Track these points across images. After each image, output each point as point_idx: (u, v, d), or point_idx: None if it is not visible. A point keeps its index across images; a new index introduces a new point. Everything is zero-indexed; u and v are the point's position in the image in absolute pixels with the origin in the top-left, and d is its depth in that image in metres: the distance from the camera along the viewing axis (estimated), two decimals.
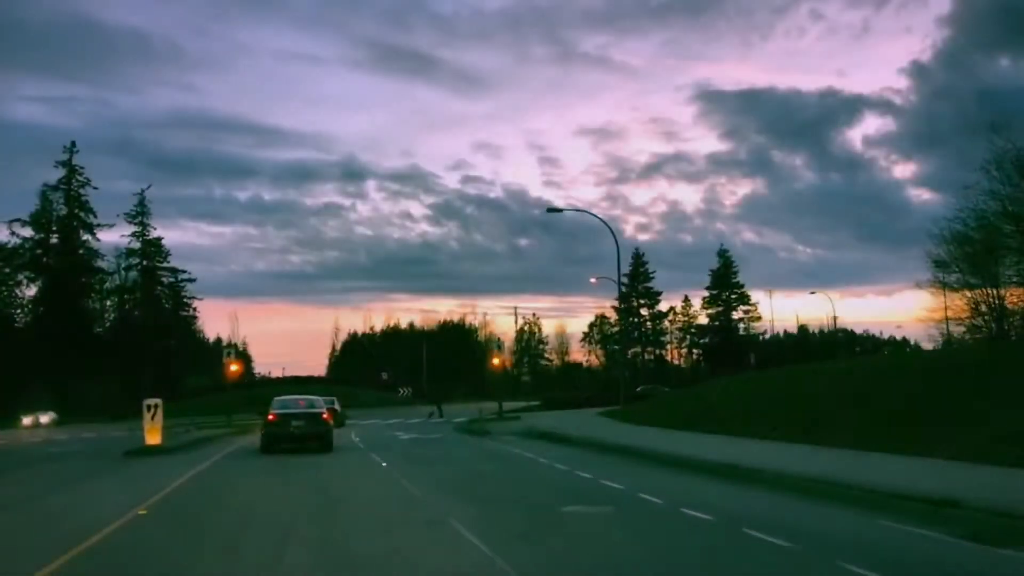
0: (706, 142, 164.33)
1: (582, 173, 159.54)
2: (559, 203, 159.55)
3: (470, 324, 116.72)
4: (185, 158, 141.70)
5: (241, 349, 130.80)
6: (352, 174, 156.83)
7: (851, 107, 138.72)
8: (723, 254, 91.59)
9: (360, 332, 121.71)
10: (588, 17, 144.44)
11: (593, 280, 77.31)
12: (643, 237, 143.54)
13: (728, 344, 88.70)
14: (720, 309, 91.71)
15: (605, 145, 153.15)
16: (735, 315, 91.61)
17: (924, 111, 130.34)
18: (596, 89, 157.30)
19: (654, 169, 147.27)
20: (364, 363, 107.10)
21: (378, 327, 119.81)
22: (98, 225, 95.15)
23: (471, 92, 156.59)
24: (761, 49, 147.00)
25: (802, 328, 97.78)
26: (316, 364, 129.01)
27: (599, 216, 38.70)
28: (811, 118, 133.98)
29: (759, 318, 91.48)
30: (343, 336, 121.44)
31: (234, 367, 40.94)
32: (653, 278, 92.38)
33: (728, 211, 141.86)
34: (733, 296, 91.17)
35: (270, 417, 23.36)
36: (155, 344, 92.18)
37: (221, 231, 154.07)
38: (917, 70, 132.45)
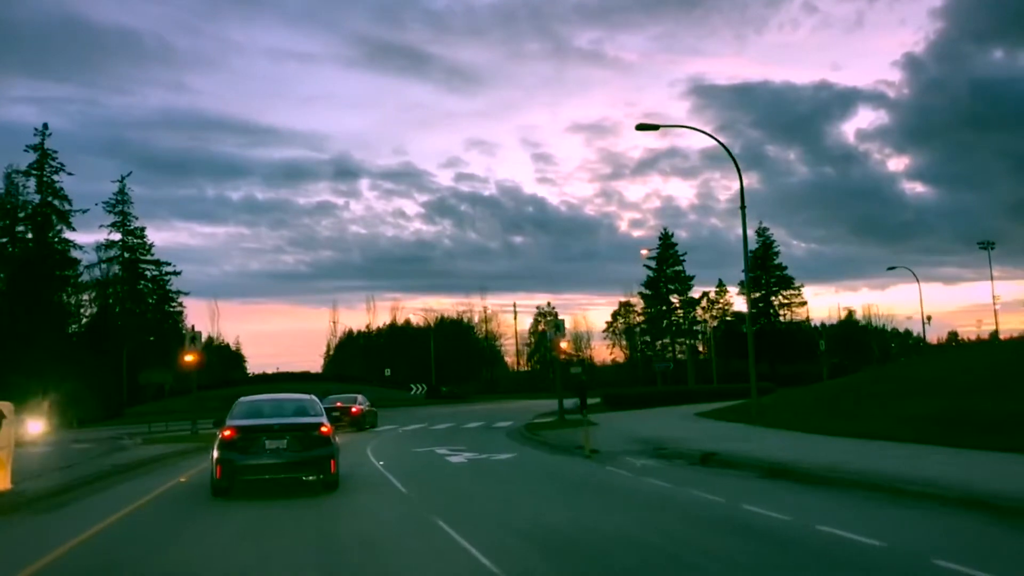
0: (700, 137, 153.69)
1: (576, 169, 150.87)
2: (553, 200, 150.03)
3: (469, 320, 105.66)
4: (177, 158, 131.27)
5: (234, 348, 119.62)
6: (345, 172, 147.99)
7: (845, 100, 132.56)
8: (762, 232, 79.15)
9: (358, 330, 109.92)
10: (581, 12, 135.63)
11: (644, 252, 65.83)
12: (637, 233, 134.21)
13: (770, 333, 76.57)
14: (760, 294, 79.49)
15: (599, 141, 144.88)
16: (775, 301, 79.37)
17: (917, 104, 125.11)
18: (589, 85, 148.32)
19: (648, 165, 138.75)
20: (365, 360, 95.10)
21: (375, 325, 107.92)
22: (72, 211, 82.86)
23: (464, 89, 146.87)
24: (755, 43, 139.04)
25: (850, 315, 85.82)
26: (313, 364, 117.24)
27: (711, 134, 26.03)
28: (805, 112, 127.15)
29: (804, 303, 79.38)
30: (340, 334, 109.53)
31: (189, 358, 29.00)
32: (684, 261, 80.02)
33: (722, 206, 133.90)
34: (773, 280, 79.00)
35: (226, 433, 12.46)
36: (133, 341, 79.86)
37: (214, 231, 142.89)
38: (910, 62, 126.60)
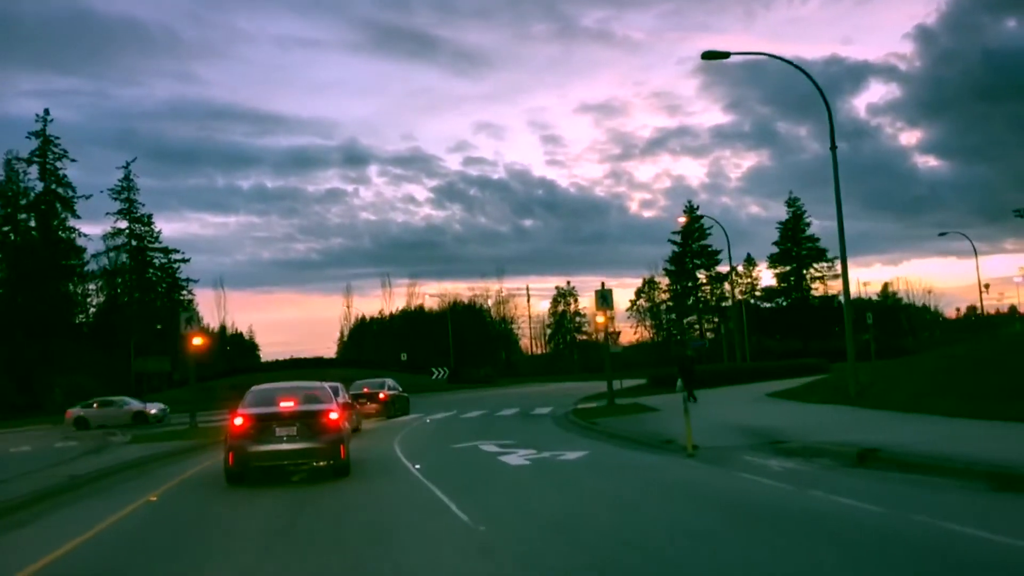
0: (710, 115, 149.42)
1: (585, 150, 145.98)
2: (563, 182, 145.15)
3: (482, 304, 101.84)
4: (186, 148, 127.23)
5: (248, 337, 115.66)
6: (354, 159, 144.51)
7: (856, 74, 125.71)
8: (793, 203, 74.08)
9: (371, 316, 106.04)
10: None
11: (681, 220, 60.94)
12: (648, 213, 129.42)
13: (802, 308, 71.85)
14: (790, 268, 74.62)
15: (608, 121, 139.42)
16: (807, 274, 74.50)
17: (930, 76, 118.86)
18: (597, 64, 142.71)
19: (658, 144, 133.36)
20: (380, 345, 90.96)
21: (388, 310, 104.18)
22: (76, 198, 78.76)
23: (471, 72, 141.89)
24: (764, 18, 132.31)
25: (885, 288, 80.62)
26: (327, 351, 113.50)
27: (788, 60, 21.51)
28: (815, 87, 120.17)
29: (837, 276, 74.21)
30: (354, 319, 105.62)
31: (197, 340, 24.86)
32: (710, 234, 74.99)
33: (733, 184, 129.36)
34: (804, 252, 74.07)
35: (237, 423, 12.14)
36: (141, 331, 75.83)
37: (225, 221, 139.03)
38: (922, 34, 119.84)
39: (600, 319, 27.94)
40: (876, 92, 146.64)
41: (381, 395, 28.93)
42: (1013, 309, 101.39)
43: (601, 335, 31.41)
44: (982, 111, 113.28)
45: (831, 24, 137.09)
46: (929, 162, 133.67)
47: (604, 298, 27.06)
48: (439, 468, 13.24)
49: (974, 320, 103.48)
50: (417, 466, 13.57)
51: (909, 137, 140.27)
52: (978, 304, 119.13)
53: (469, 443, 17.47)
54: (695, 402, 20.27)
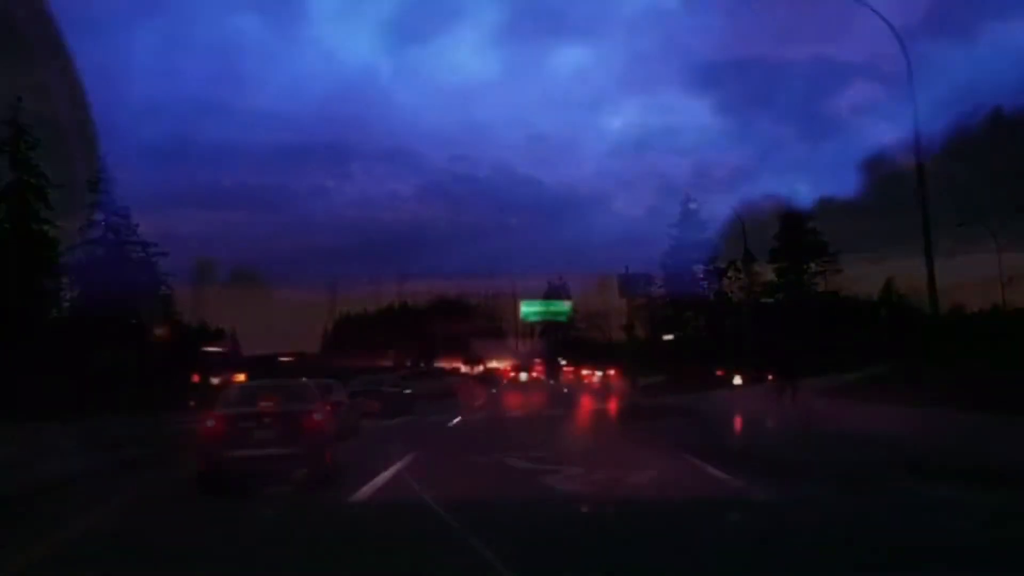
0: (696, 113, 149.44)
1: (570, 148, 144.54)
2: (548, 180, 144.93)
3: (468, 301, 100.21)
4: (168, 144, 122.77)
5: (230, 334, 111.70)
6: (338, 156, 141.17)
7: (841, 75, 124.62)
8: (793, 196, 70.68)
9: (356, 313, 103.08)
10: None
11: (692, 206, 56.99)
12: (635, 212, 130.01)
13: (802, 304, 68.27)
14: (790, 263, 70.99)
15: (593, 119, 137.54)
16: (807, 269, 71.06)
17: (914, 77, 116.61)
18: (583, 61, 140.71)
19: (643, 143, 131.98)
20: (364, 342, 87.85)
21: (374, 307, 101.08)
22: (49, 187, 73.99)
23: (457, 68, 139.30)
24: (747, 18, 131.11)
25: (888, 284, 77.13)
26: (310, 348, 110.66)
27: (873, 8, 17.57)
28: (801, 88, 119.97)
29: (840, 271, 70.79)
30: (338, 316, 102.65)
31: (158, 331, 21.63)
32: (708, 227, 71.36)
33: (718, 184, 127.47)
34: (805, 246, 70.50)
35: (209, 425, 11.44)
36: (118, 327, 71.14)
37: (208, 217, 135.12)
38: (907, 35, 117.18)
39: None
40: (861, 92, 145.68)
41: (380, 393, 26.97)
42: (995, 310, 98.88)
43: (615, 327, 27.67)
44: (966, 111, 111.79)
45: (817, 24, 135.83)
46: (911, 162, 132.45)
47: (627, 283, 23.17)
48: (465, 499, 9.23)
49: (956, 321, 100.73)
50: (430, 494, 9.58)
51: (892, 138, 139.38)
52: (961, 304, 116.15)
53: (491, 457, 13.56)
54: (793, 402, 16.20)
